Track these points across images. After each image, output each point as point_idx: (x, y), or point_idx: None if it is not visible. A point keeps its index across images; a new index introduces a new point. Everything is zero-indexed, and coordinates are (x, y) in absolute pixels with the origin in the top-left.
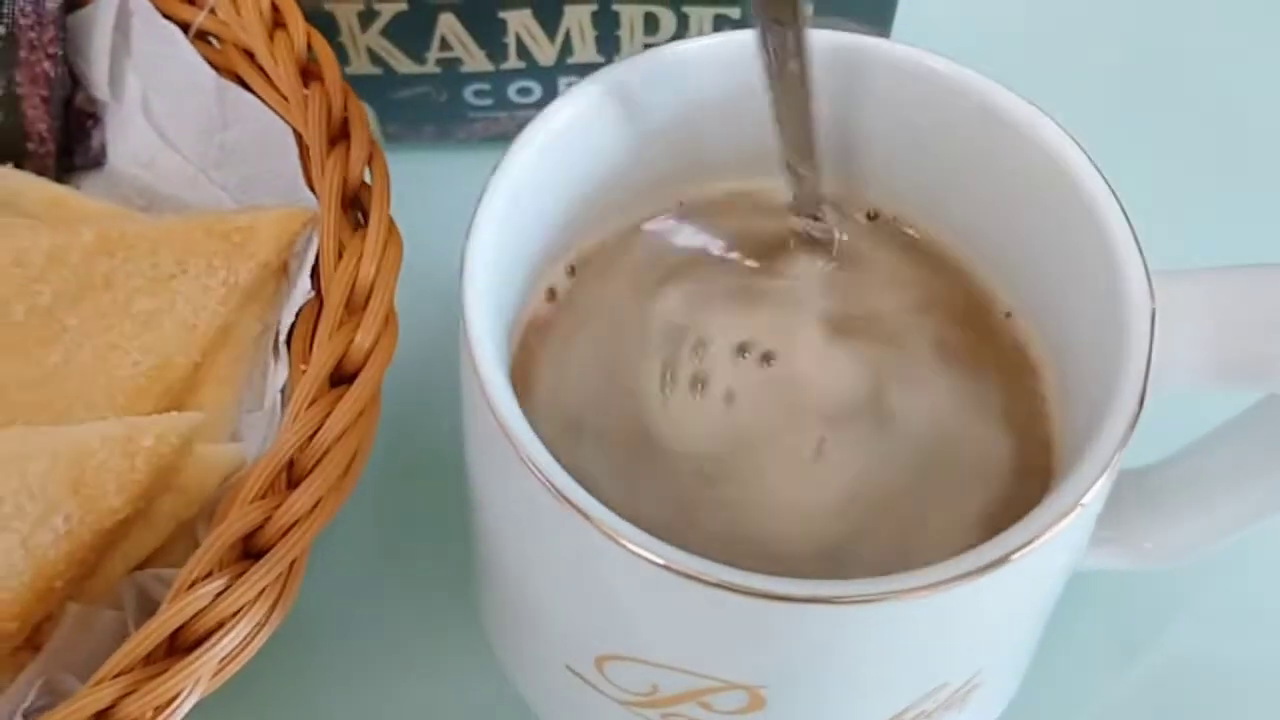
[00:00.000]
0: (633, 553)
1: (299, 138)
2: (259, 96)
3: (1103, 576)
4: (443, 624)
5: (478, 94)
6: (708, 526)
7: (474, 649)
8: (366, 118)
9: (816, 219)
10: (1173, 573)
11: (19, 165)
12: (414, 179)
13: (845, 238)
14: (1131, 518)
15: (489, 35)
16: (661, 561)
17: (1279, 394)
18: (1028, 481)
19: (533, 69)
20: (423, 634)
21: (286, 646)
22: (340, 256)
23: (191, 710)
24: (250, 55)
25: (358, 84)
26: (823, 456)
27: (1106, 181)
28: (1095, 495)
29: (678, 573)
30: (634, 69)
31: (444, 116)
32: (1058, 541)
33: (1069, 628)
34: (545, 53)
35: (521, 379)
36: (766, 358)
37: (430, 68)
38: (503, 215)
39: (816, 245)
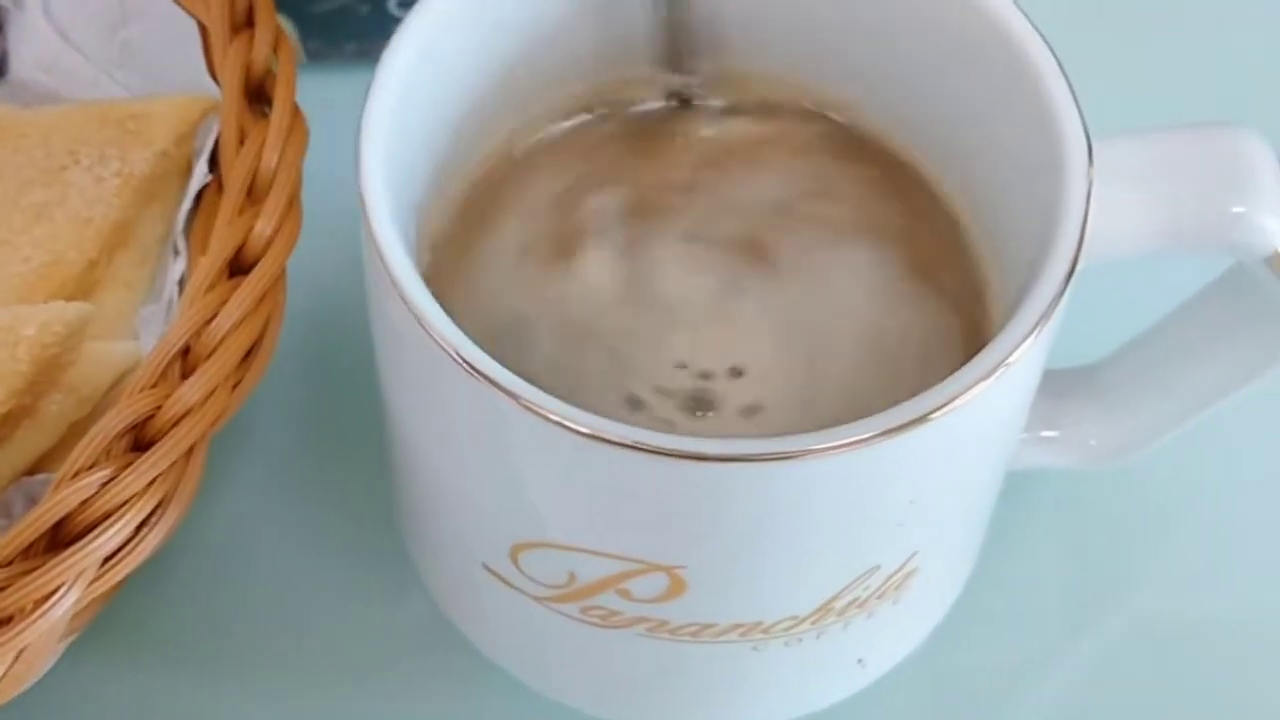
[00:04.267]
0: (541, 417)
1: (203, 31)
2: None
3: (1056, 505)
4: (358, 528)
5: (402, 5)
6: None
7: (390, 554)
8: (272, 5)
9: (689, 72)
10: (1134, 519)
11: None
12: (334, 101)
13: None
14: (1078, 412)
15: None
16: (571, 425)
17: (1246, 261)
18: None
19: None
20: (337, 539)
21: (195, 556)
22: (242, 143)
23: (94, 622)
24: None
25: None
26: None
27: (1048, 44)
28: (1021, 356)
29: (587, 436)
30: None
31: (367, 31)
32: (981, 404)
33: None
34: None
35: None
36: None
37: None
38: (398, 87)
39: (690, 110)
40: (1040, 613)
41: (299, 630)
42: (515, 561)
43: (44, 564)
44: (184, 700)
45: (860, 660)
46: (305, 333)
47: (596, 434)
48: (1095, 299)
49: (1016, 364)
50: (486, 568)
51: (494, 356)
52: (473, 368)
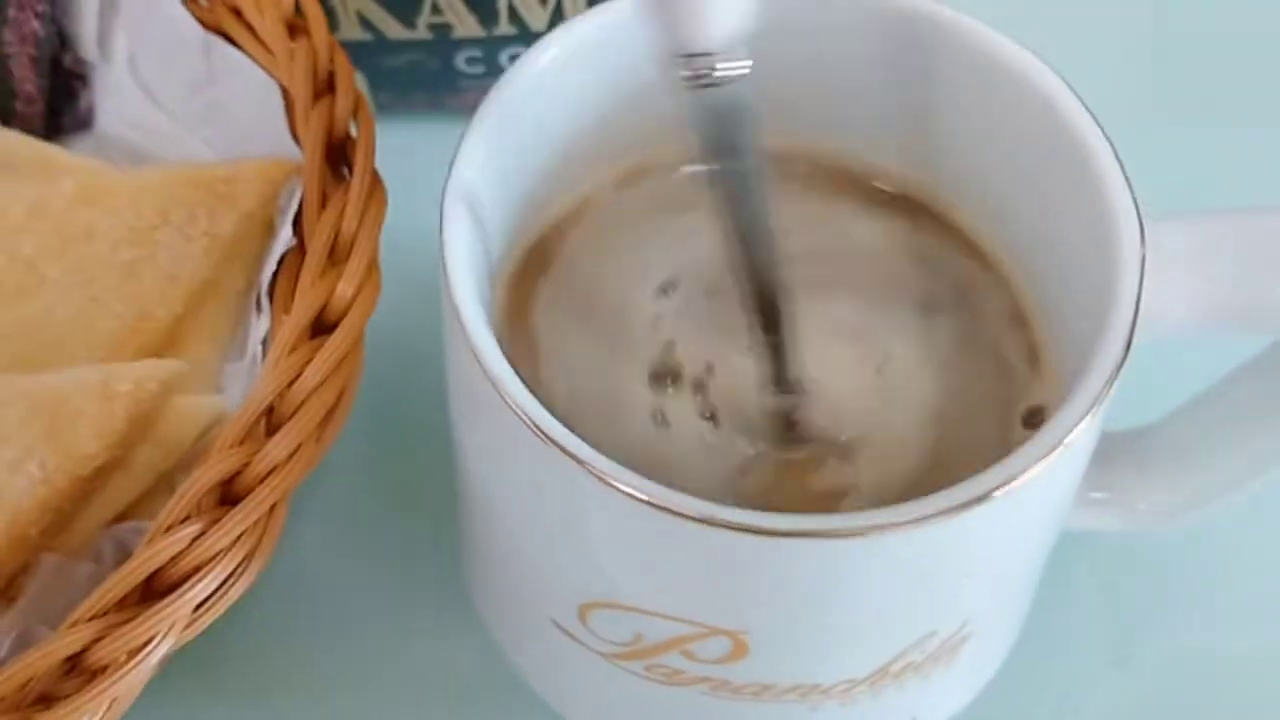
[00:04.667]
0: (615, 489)
1: (286, 94)
2: (245, 52)
3: (1101, 560)
4: (427, 582)
5: (469, 61)
6: None
7: (458, 607)
8: (352, 71)
9: (792, 392)
10: (1172, 560)
11: (7, 125)
12: (404, 150)
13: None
14: (1125, 477)
15: (481, 0)
16: (644, 497)
17: None
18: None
19: (525, 35)
20: (406, 591)
21: (268, 600)
22: (323, 206)
23: (170, 660)
24: (237, 12)
25: (348, 50)
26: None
27: (1098, 123)
28: (1079, 436)
29: (659, 508)
30: (622, 9)
31: (435, 84)
32: (1040, 482)
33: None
34: (537, 18)
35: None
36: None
37: (421, 33)
38: (486, 152)
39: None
40: (1085, 664)
41: (362, 676)
42: (583, 620)
43: (138, 615)
44: None
45: (914, 718)
46: (373, 383)
47: (667, 507)
48: (1145, 362)
49: (1075, 443)
50: (555, 624)
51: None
52: (549, 438)
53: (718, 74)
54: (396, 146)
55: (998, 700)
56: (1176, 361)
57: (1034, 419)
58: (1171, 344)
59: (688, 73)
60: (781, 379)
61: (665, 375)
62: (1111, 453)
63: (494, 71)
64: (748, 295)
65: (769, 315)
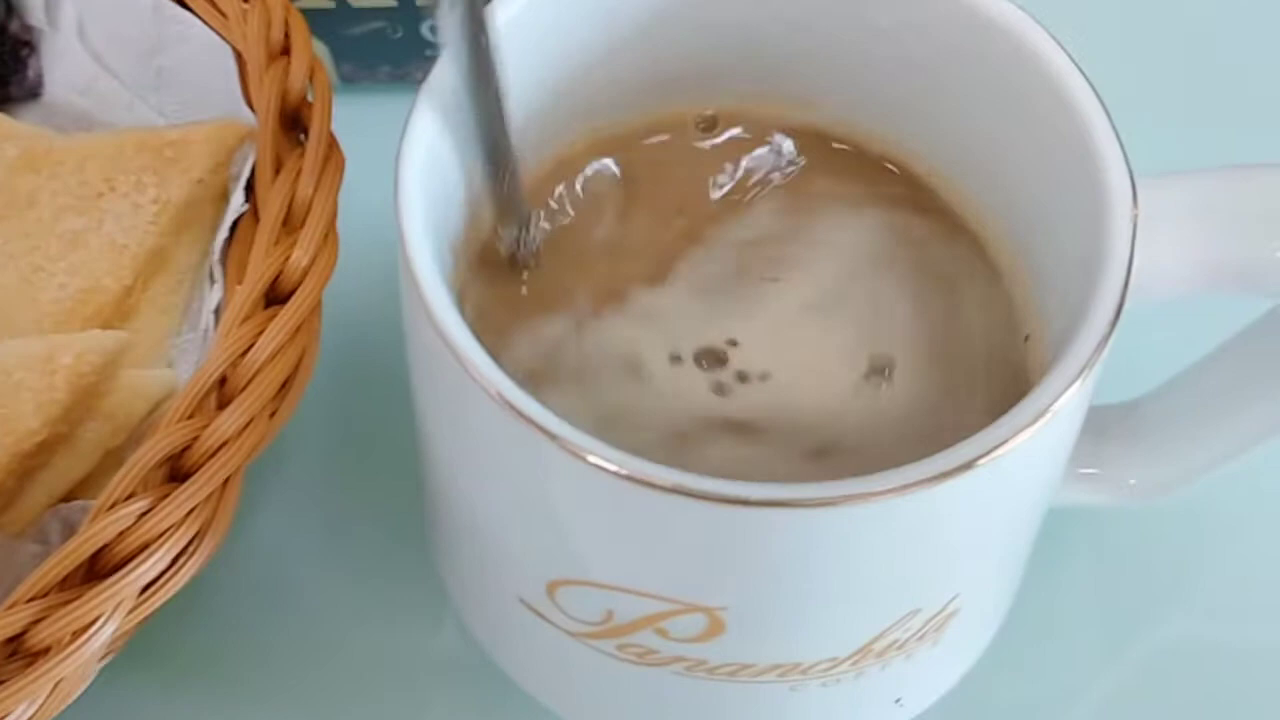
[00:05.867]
0: (581, 459)
1: (239, 58)
2: (197, 14)
3: (1095, 542)
4: (393, 559)
5: (434, 29)
6: None
7: (426, 586)
8: (308, 33)
9: (525, 231)
10: (1167, 543)
11: None
12: (368, 123)
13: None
14: (1115, 451)
15: None
16: (613, 468)
17: None
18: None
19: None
20: (372, 570)
21: (228, 582)
22: (278, 172)
23: (128, 644)
24: None
25: (309, 18)
26: None
27: (1090, 83)
28: (1067, 403)
29: (629, 479)
30: None
31: (400, 55)
32: (1026, 449)
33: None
34: None
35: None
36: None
37: (386, 0)
38: (443, 115)
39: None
40: (1074, 647)
41: (330, 657)
42: (552, 598)
43: (82, 595)
44: None
45: (898, 700)
46: (335, 358)
47: (636, 476)
48: (1133, 333)
49: (1061, 410)
50: (523, 602)
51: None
52: (512, 406)
53: None
54: (360, 119)
55: (986, 684)
56: (1166, 334)
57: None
58: (1158, 320)
59: None
60: (514, 213)
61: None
62: (1101, 427)
63: None
64: (479, 131)
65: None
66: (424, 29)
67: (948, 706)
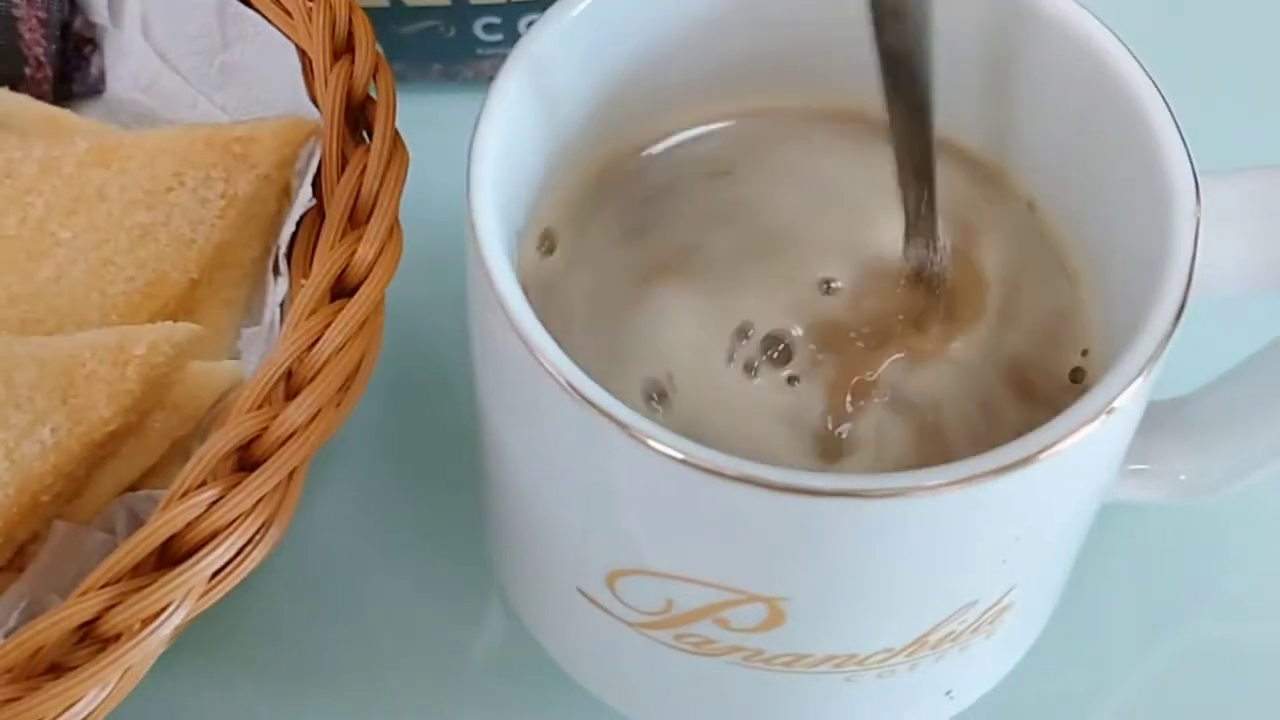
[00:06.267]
0: (650, 448)
1: (303, 56)
2: (261, 13)
3: (1139, 540)
4: (447, 553)
5: (488, 29)
6: None
7: (479, 579)
8: (372, 32)
9: (932, 249)
10: (1209, 544)
11: (15, 89)
12: (420, 121)
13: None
14: (1167, 447)
15: None
16: (680, 456)
17: None
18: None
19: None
20: (426, 563)
21: (284, 573)
22: (343, 169)
23: (185, 634)
24: None
25: None
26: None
27: (1153, 80)
28: (1128, 400)
29: (696, 467)
30: None
31: (452, 54)
32: (1087, 445)
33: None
34: None
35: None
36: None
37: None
38: (513, 106)
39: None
40: (1113, 641)
41: (380, 650)
42: (612, 588)
43: (153, 582)
44: (265, 717)
45: (949, 692)
46: (395, 352)
47: (702, 464)
48: (1187, 328)
49: (1122, 407)
50: (581, 592)
51: None
52: (579, 393)
53: None
54: (412, 117)
55: (1027, 677)
56: (1217, 330)
57: (1079, 376)
58: (1211, 314)
59: None
60: (927, 233)
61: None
62: (1152, 423)
63: (513, 40)
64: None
65: (920, 165)
66: (476, 28)
67: (989, 699)
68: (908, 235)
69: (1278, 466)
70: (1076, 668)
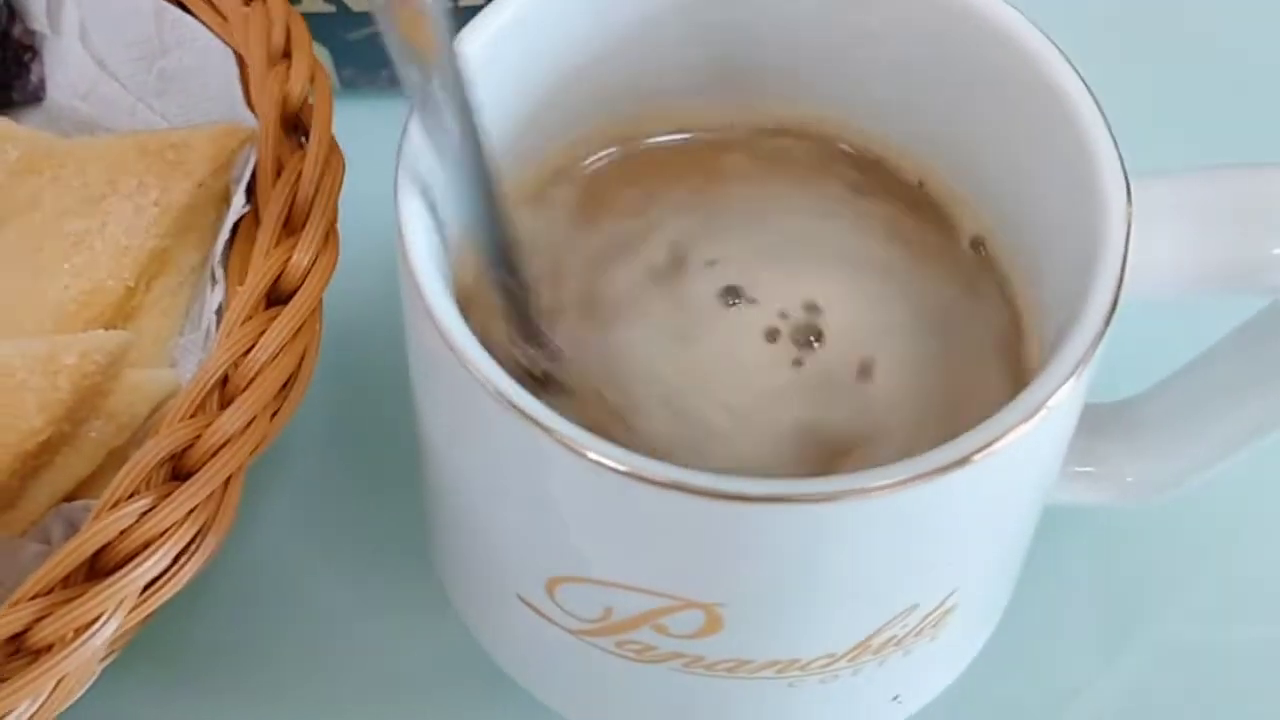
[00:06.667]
0: (581, 456)
1: (240, 60)
2: (199, 18)
3: (1093, 542)
4: (393, 559)
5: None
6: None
7: (425, 585)
8: (309, 36)
9: (540, 345)
10: (1164, 544)
11: None
12: (368, 128)
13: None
14: (1112, 449)
15: None
16: (612, 464)
17: None
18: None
19: None
20: (372, 569)
21: (229, 582)
22: (279, 174)
23: (130, 646)
24: None
25: (311, 23)
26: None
27: (1084, 82)
28: (1062, 399)
29: (628, 475)
30: None
31: None
32: (1022, 445)
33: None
34: None
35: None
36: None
37: None
38: None
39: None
40: (1073, 644)
41: (330, 657)
42: (551, 595)
43: (84, 593)
44: None
45: (896, 697)
46: (335, 358)
47: (635, 473)
48: (1128, 331)
49: (1056, 406)
50: (522, 600)
51: None
52: (511, 403)
53: None
54: (360, 124)
55: (984, 683)
56: (1160, 331)
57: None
58: (1152, 321)
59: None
60: (529, 330)
61: None
62: (1097, 426)
63: None
64: (489, 246)
65: (509, 259)
66: None
67: (945, 704)
68: (512, 339)
69: (1223, 468)
70: (1032, 674)
